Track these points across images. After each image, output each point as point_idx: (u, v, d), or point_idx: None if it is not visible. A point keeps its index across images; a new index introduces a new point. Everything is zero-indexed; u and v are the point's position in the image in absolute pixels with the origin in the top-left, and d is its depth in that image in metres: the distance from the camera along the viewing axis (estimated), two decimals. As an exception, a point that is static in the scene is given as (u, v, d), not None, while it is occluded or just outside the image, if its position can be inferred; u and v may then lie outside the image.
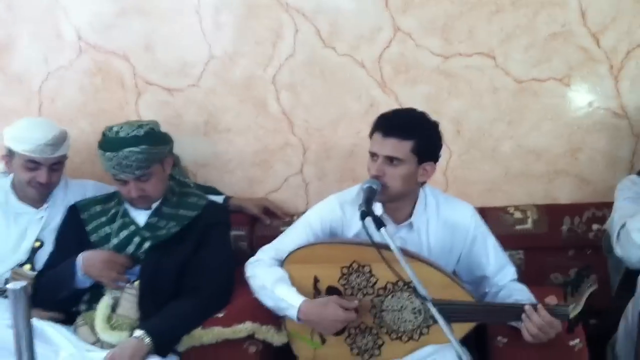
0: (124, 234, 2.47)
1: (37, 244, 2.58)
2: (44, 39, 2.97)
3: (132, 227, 2.47)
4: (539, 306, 2.04)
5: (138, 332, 2.24)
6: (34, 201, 2.63)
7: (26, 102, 3.01)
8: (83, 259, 2.38)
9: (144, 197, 2.44)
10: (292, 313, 2.19)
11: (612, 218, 2.39)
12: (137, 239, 2.44)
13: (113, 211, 2.53)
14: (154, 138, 2.42)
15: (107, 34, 2.95)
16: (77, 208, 2.56)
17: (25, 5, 2.95)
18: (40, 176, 2.54)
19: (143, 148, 2.36)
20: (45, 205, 2.63)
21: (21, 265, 2.54)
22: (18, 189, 2.63)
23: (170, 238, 2.44)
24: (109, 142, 2.40)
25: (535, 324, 2.02)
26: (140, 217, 2.50)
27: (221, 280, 2.43)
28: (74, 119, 3.01)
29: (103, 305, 2.35)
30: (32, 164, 2.53)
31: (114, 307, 2.36)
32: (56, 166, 2.59)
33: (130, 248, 2.44)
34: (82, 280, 2.38)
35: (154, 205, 2.50)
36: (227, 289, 2.45)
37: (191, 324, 2.31)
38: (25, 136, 2.53)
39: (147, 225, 2.47)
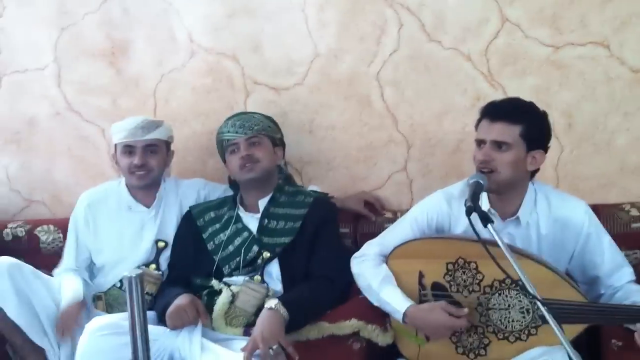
0: (238, 240, 2.54)
1: (162, 244, 2.70)
2: (158, 42, 3.10)
3: (245, 234, 2.54)
4: None
5: (272, 302, 2.26)
6: (144, 199, 2.75)
7: (142, 104, 3.14)
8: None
9: (250, 160, 2.53)
10: (398, 317, 2.19)
11: None
12: (255, 247, 2.50)
13: (226, 217, 2.61)
14: (276, 126, 2.72)
15: (217, 35, 3.03)
16: (192, 215, 2.66)
17: (141, 9, 3.08)
18: (135, 159, 2.66)
19: (266, 121, 2.64)
20: (154, 203, 2.74)
21: (147, 265, 2.66)
22: (129, 188, 2.77)
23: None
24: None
25: None
26: (252, 222, 2.57)
27: (346, 271, 2.41)
28: (187, 120, 3.12)
29: (223, 298, 2.42)
30: (128, 148, 2.68)
31: (232, 300, 2.42)
32: (151, 148, 2.70)
33: (251, 255, 2.50)
34: None
35: (262, 207, 2.57)
36: (351, 279, 2.43)
37: (323, 305, 2.34)
38: (120, 126, 2.72)
39: (261, 229, 2.53)
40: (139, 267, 2.63)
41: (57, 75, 3.21)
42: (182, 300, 2.35)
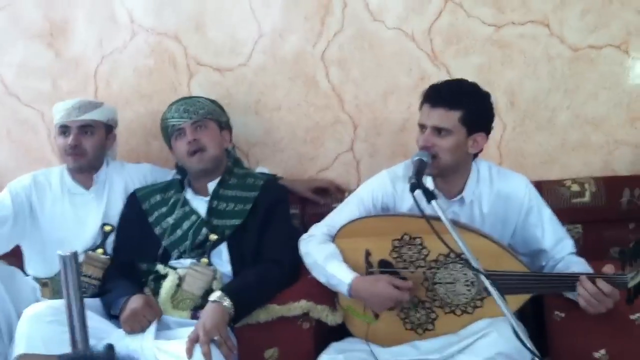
0: (186, 224, 2.50)
1: (108, 228, 2.63)
2: (98, 22, 3.01)
3: (194, 217, 2.50)
4: (597, 278, 1.98)
5: (216, 294, 2.23)
6: (85, 182, 2.69)
7: (83, 86, 3.06)
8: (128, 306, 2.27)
9: (198, 145, 2.49)
10: (343, 289, 2.19)
11: None
12: (204, 230, 2.46)
13: (172, 200, 2.56)
14: (221, 110, 2.67)
15: (158, 15, 2.97)
16: (137, 198, 2.60)
17: (80, -12, 3.00)
18: (69, 139, 2.61)
19: (211, 105, 2.61)
20: (93, 186, 2.68)
21: (94, 249, 2.59)
22: (70, 171, 2.70)
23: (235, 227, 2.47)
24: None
25: (589, 291, 1.97)
26: (201, 204, 2.53)
27: (295, 253, 2.40)
28: (129, 101, 3.05)
29: (169, 281, 2.38)
30: (63, 129, 2.63)
31: (179, 283, 2.38)
32: (86, 129, 2.63)
33: (200, 238, 2.46)
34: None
35: (211, 189, 2.54)
36: (300, 262, 2.41)
37: (271, 290, 2.32)
38: (59, 107, 2.67)
39: (210, 212, 2.50)
40: (85, 251, 2.57)
41: (-7, 58, 3.11)
42: (136, 303, 2.25)
